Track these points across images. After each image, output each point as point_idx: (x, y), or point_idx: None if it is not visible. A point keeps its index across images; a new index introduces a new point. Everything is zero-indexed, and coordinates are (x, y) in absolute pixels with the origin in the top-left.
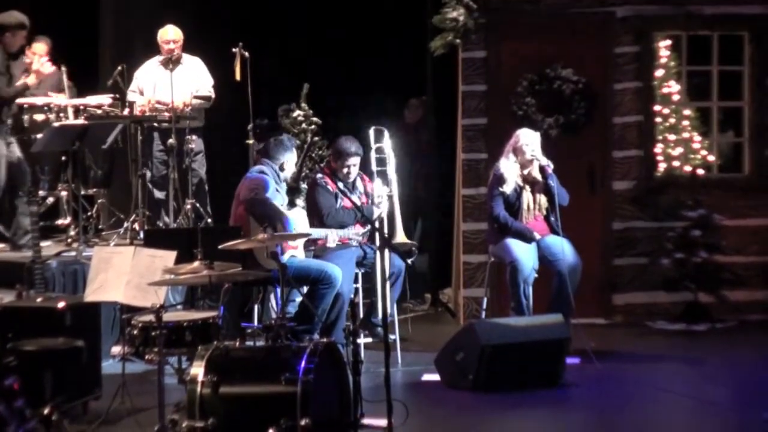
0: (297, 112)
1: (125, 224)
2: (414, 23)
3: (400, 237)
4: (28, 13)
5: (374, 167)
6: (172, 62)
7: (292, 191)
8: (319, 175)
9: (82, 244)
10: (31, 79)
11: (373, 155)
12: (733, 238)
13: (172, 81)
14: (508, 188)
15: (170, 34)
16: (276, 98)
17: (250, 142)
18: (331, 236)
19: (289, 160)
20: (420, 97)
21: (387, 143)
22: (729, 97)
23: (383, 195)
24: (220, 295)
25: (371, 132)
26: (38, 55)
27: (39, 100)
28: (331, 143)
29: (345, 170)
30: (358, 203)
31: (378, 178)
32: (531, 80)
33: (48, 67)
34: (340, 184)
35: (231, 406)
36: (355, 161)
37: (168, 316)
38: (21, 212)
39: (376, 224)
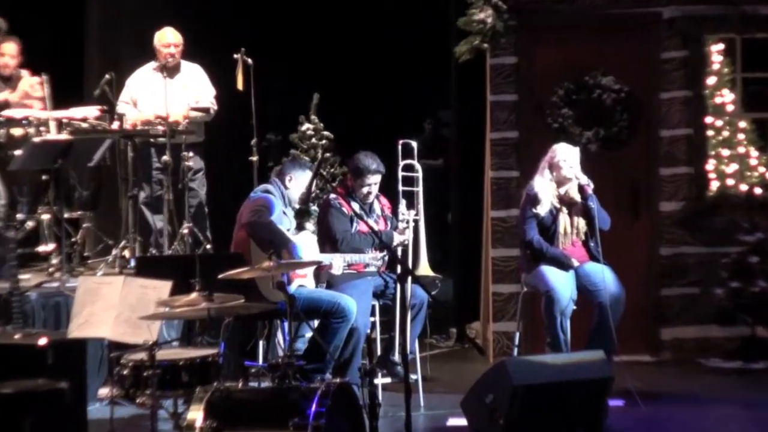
0: (306, 126)
1: (114, 251)
2: (437, 26)
3: (424, 268)
4: (4, 13)
5: (400, 186)
6: (167, 69)
7: (301, 214)
8: (333, 196)
9: (65, 273)
10: (14, 96)
11: (400, 173)
12: None
13: (169, 90)
14: (542, 210)
15: (169, 37)
16: (283, 110)
17: (254, 159)
18: (337, 261)
19: (298, 177)
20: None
21: (416, 160)
22: None
23: (409, 219)
24: (220, 330)
25: (399, 146)
26: (9, 56)
27: (17, 113)
28: (344, 160)
29: (365, 190)
30: (376, 228)
31: (403, 200)
32: (567, 89)
33: (38, 91)
34: (356, 206)
35: None
36: (376, 179)
37: (162, 354)
38: None
39: (398, 251)
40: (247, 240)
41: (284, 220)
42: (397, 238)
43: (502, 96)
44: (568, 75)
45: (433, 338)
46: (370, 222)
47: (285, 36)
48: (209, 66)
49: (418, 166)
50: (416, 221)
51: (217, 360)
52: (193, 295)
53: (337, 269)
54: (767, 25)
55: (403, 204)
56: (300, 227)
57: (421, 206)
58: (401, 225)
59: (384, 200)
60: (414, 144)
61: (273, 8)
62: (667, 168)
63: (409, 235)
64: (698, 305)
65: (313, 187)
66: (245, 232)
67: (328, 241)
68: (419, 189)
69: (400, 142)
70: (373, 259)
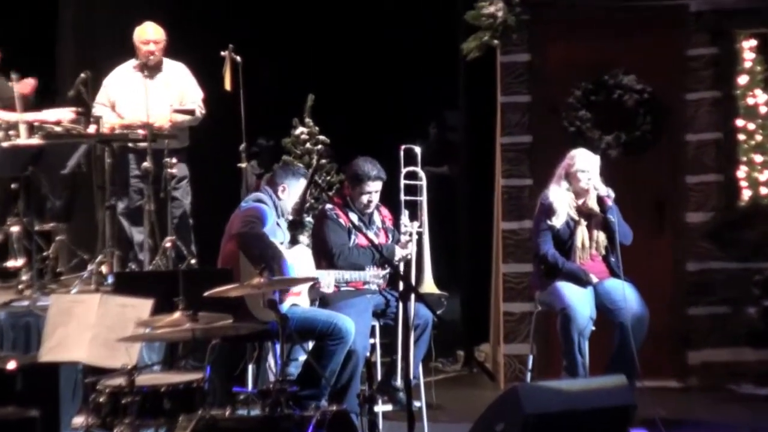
0: (300, 129)
1: (90, 267)
2: (442, 20)
3: (429, 286)
4: None
5: (402, 196)
6: (148, 68)
7: (295, 226)
8: (329, 206)
9: (36, 291)
10: None
11: (402, 181)
12: None
13: (151, 91)
14: (558, 222)
15: (149, 33)
16: (275, 112)
17: (244, 165)
18: (326, 279)
19: (292, 186)
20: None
21: (420, 167)
22: None
23: (412, 232)
24: (205, 353)
25: (401, 152)
26: None
27: None
28: (341, 167)
29: (365, 198)
30: (376, 241)
31: (406, 210)
32: (585, 89)
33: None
34: (354, 217)
35: None
36: (377, 187)
37: (142, 380)
38: None
39: (400, 267)
40: (236, 254)
41: (277, 233)
42: (399, 253)
43: (514, 97)
44: (586, 74)
45: (439, 362)
46: (370, 235)
47: (277, 31)
48: (194, 64)
49: (421, 174)
50: (420, 234)
51: (203, 386)
52: (177, 315)
53: (327, 287)
54: None
55: (405, 215)
56: (293, 240)
57: (425, 217)
58: (404, 238)
59: (385, 211)
60: (417, 149)
61: (263, 1)
62: (694, 176)
63: (412, 249)
64: (729, 326)
65: (308, 197)
66: (234, 245)
67: (324, 256)
68: (423, 198)
69: (402, 147)
70: (374, 276)
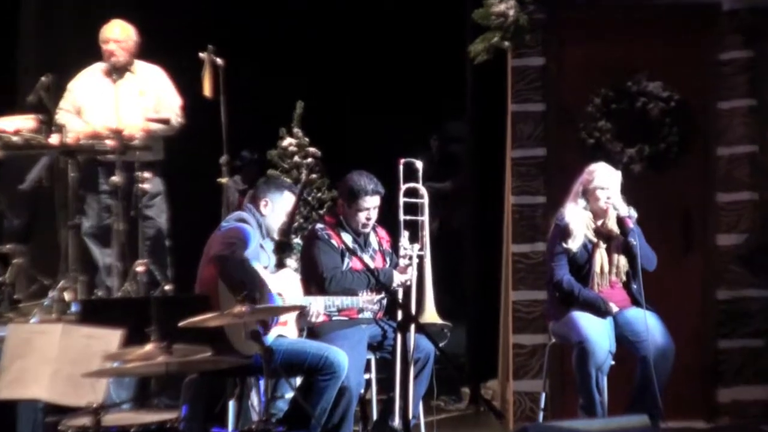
0: (288, 140)
1: (51, 293)
2: (447, 20)
3: (430, 315)
4: None
5: (402, 215)
6: (118, 71)
7: (281, 248)
8: (320, 226)
9: None
10: None
11: (401, 199)
12: None
13: (121, 97)
14: (574, 244)
15: (110, 32)
16: (260, 121)
17: (225, 180)
18: (314, 306)
19: (276, 202)
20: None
21: (421, 183)
22: None
23: (412, 255)
24: (181, 389)
25: (400, 166)
26: None
27: None
28: (333, 183)
29: (362, 216)
30: (372, 265)
31: (405, 231)
32: (606, 97)
33: None
34: (348, 238)
35: None
36: (375, 203)
37: (110, 419)
38: None
39: (399, 294)
40: (215, 279)
41: (262, 256)
42: (398, 278)
43: (527, 105)
44: (606, 79)
45: (441, 400)
46: (365, 258)
47: (262, 31)
48: (171, 68)
49: (423, 191)
50: (421, 257)
51: (178, 426)
52: (149, 347)
53: (314, 316)
54: None
55: (405, 237)
56: (280, 264)
57: (427, 239)
58: (403, 262)
59: (382, 232)
60: (419, 164)
61: None
62: (726, 193)
63: (412, 274)
64: (763, 360)
65: (296, 216)
66: (213, 270)
67: (314, 281)
68: (425, 218)
69: (402, 161)
70: (369, 302)
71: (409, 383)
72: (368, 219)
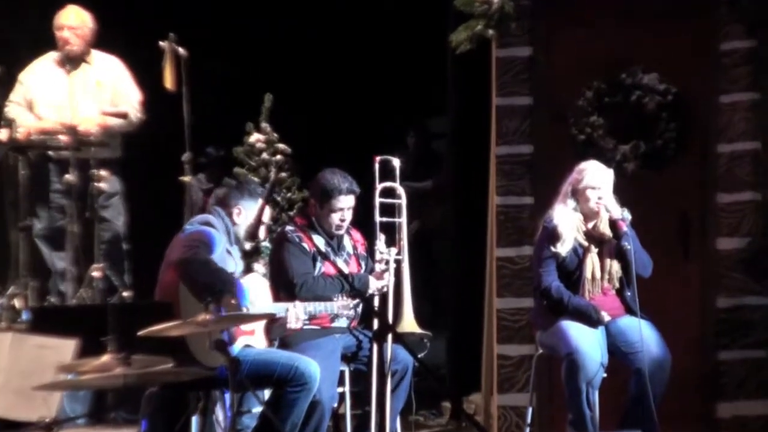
0: (255, 136)
1: (0, 300)
2: (429, 7)
3: (409, 324)
4: None
5: (377, 217)
6: (72, 61)
7: (249, 253)
8: (290, 228)
9: None
10: None
11: (377, 199)
12: None
13: (76, 89)
14: (564, 249)
15: (67, 18)
16: (226, 115)
17: (188, 179)
18: (294, 312)
19: (249, 209)
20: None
21: (398, 182)
22: None
23: (389, 259)
24: (140, 403)
25: (376, 165)
26: None
27: None
28: (304, 182)
29: (336, 217)
30: (346, 270)
31: (382, 234)
32: (598, 90)
33: None
34: (320, 241)
35: None
36: (349, 202)
37: None
38: None
39: (374, 301)
40: (176, 285)
41: (228, 262)
42: (374, 284)
43: (513, 99)
44: (598, 71)
45: (421, 414)
46: (339, 262)
47: (227, 19)
48: (130, 58)
49: (400, 191)
50: (398, 262)
51: None
52: (105, 358)
53: (295, 321)
54: None
55: (381, 240)
56: (248, 270)
57: (404, 242)
58: (379, 267)
59: (357, 235)
60: (396, 162)
61: None
62: (727, 194)
63: (389, 280)
64: (766, 372)
65: (265, 218)
66: (175, 274)
67: (284, 287)
68: (403, 220)
69: (378, 158)
70: (344, 307)
71: (386, 397)
72: (342, 220)
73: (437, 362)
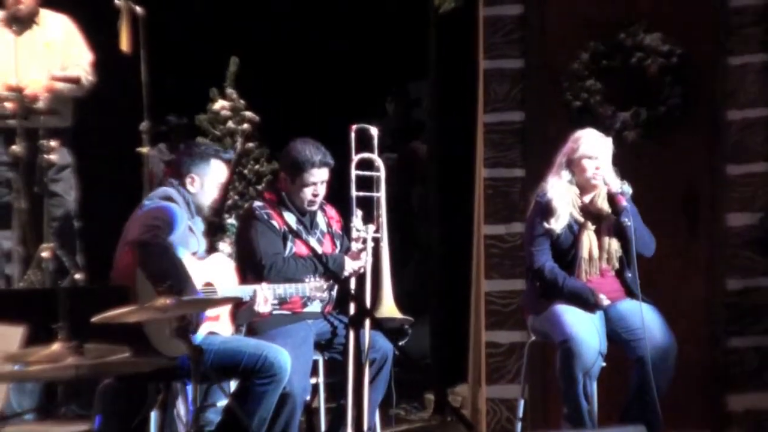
0: (220, 103)
1: None
2: None
3: (388, 309)
4: None
5: (354, 191)
6: (18, 20)
7: (213, 230)
8: (258, 204)
9: None
10: None
11: (353, 172)
12: None
13: (22, 51)
14: (558, 225)
15: None
16: (187, 80)
17: (146, 150)
18: (261, 294)
19: (204, 173)
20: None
21: (377, 153)
22: None
23: (366, 238)
24: (94, 397)
25: (351, 134)
26: None
27: None
28: (273, 153)
29: (308, 192)
30: (319, 250)
31: (358, 210)
32: (595, 51)
33: None
34: (291, 218)
35: None
36: (323, 176)
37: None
38: None
39: (351, 283)
40: (133, 267)
41: (190, 240)
42: (350, 265)
43: (502, 61)
44: (596, 31)
45: (402, 408)
46: (312, 242)
47: None
48: (81, 18)
49: (379, 162)
50: (376, 240)
51: None
52: (56, 347)
53: (263, 305)
54: None
55: (357, 216)
56: (211, 248)
57: (383, 219)
58: (355, 246)
59: (331, 211)
60: (374, 131)
61: None
62: (737, 165)
63: (366, 260)
64: None
65: (230, 192)
66: (132, 256)
67: (251, 268)
68: (381, 195)
69: (354, 127)
70: (318, 289)
71: (364, 389)
72: (315, 195)
73: (420, 350)
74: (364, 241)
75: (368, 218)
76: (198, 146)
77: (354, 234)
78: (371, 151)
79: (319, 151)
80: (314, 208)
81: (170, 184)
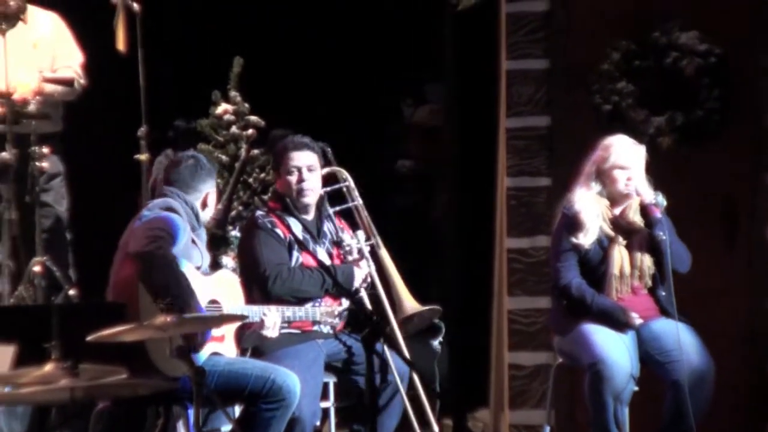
0: (223, 107)
1: None
2: None
3: (410, 306)
4: None
5: (329, 209)
6: (6, 18)
7: (216, 242)
8: (261, 212)
9: None
10: None
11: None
12: None
13: (11, 51)
14: (586, 240)
15: None
16: (188, 82)
17: (144, 157)
18: (271, 317)
19: (213, 192)
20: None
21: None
22: None
23: (360, 247)
24: (89, 421)
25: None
26: None
27: None
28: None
29: (293, 180)
30: (327, 261)
31: (341, 220)
32: (627, 50)
33: None
34: (297, 227)
35: None
36: (306, 160)
37: None
38: None
39: (364, 297)
40: (133, 282)
41: (194, 254)
42: (359, 275)
43: (525, 62)
44: (627, 29)
45: None
46: (319, 252)
47: None
48: (73, 15)
49: (344, 173)
50: (372, 247)
51: None
52: (49, 367)
53: (271, 329)
54: None
55: (343, 231)
56: (216, 264)
57: (370, 224)
58: (350, 259)
59: (340, 223)
60: (327, 148)
61: None
62: None
63: (369, 267)
64: None
65: (234, 203)
66: (132, 269)
67: (256, 282)
68: (357, 203)
69: (319, 145)
70: (329, 314)
71: (379, 413)
72: (301, 182)
73: (438, 372)
74: (360, 251)
75: (353, 228)
76: (206, 164)
77: (345, 248)
78: (330, 164)
79: (298, 136)
80: (306, 199)
81: (174, 194)
